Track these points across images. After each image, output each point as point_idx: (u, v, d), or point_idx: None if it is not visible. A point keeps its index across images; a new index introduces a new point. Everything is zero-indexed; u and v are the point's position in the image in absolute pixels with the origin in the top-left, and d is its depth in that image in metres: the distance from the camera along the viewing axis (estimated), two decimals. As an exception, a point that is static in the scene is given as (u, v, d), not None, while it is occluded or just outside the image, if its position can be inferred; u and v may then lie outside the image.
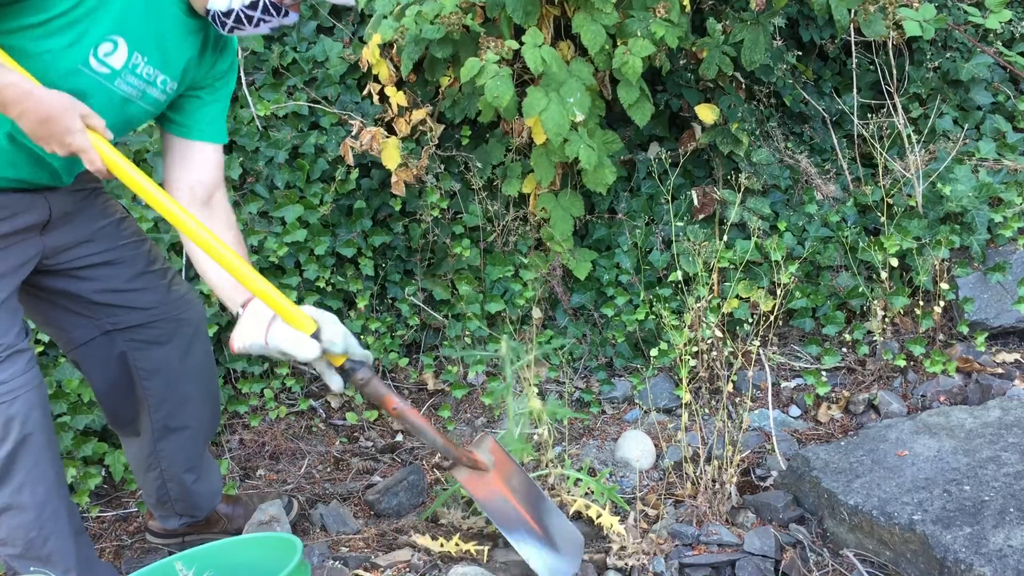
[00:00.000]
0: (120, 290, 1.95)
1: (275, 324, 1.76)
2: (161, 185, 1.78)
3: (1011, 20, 3.60)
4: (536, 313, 3.09)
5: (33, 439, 1.74)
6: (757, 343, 2.72)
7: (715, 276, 2.97)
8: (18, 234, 1.78)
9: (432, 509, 2.31)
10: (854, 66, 3.47)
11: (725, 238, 2.97)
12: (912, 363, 2.90)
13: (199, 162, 1.90)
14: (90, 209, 1.91)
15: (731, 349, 2.87)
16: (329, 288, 2.99)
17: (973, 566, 1.88)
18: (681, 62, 3.31)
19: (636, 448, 2.60)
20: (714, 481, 2.32)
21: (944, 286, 2.95)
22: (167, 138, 1.93)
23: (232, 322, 2.24)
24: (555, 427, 2.70)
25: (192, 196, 1.89)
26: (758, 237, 3.02)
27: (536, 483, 2.07)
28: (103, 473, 2.54)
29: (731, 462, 2.32)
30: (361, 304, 2.99)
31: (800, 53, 3.55)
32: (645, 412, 2.86)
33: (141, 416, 2.07)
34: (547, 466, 2.34)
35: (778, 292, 2.89)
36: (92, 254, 1.91)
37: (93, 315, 1.95)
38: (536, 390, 2.57)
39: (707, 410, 2.74)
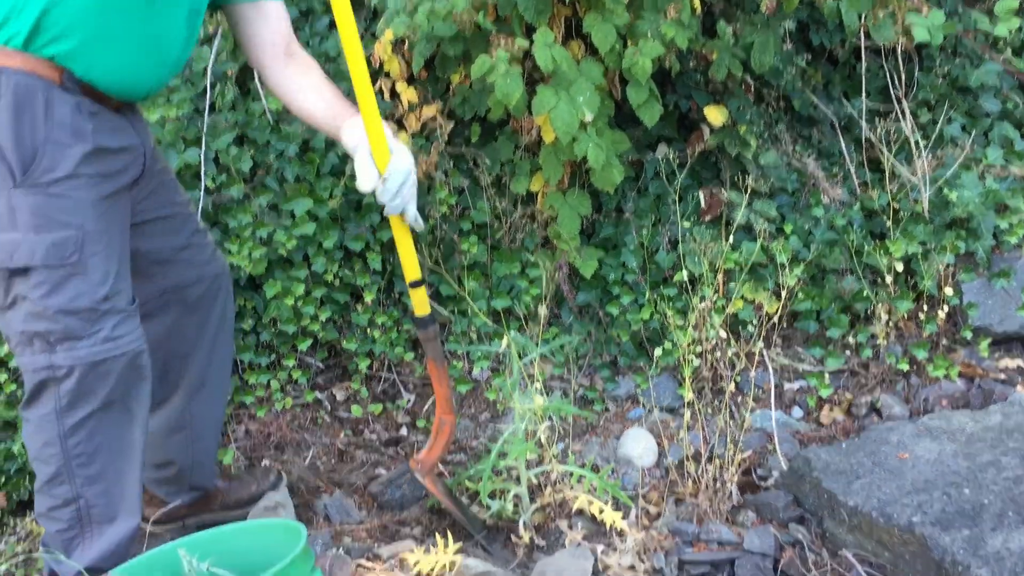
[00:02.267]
0: (183, 246, 2.08)
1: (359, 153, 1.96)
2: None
3: (1020, 28, 3.60)
4: (542, 310, 3.11)
5: (146, 384, 1.89)
6: (761, 344, 2.74)
7: (720, 277, 2.98)
8: (123, 191, 1.88)
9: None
10: (863, 71, 3.47)
11: (731, 239, 2.98)
12: (915, 367, 2.91)
13: (274, 19, 2.03)
14: (158, 163, 2.05)
15: (735, 350, 2.88)
16: (337, 282, 3.00)
17: (971, 568, 1.90)
18: (691, 64, 3.32)
19: (638, 446, 2.62)
20: (715, 480, 2.34)
21: (949, 291, 2.96)
22: (236, 11, 2.03)
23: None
24: (559, 424, 2.72)
25: (275, 50, 2.04)
26: (764, 239, 3.03)
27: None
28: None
29: (732, 461, 2.34)
30: (368, 298, 3.01)
31: (810, 57, 3.56)
32: (648, 410, 2.87)
33: (179, 381, 2.17)
34: (550, 462, 2.36)
35: (783, 294, 2.90)
36: (158, 206, 2.03)
37: (155, 276, 2.05)
38: (541, 386, 2.59)
39: (710, 410, 2.75)
